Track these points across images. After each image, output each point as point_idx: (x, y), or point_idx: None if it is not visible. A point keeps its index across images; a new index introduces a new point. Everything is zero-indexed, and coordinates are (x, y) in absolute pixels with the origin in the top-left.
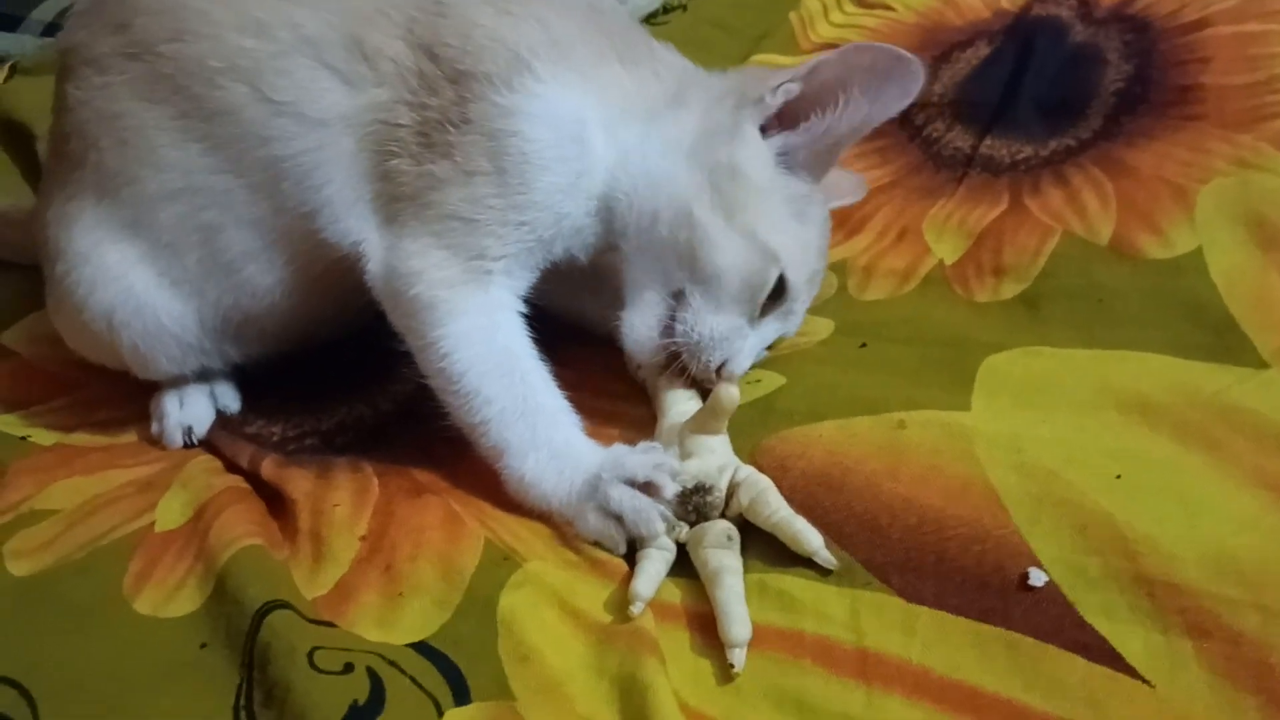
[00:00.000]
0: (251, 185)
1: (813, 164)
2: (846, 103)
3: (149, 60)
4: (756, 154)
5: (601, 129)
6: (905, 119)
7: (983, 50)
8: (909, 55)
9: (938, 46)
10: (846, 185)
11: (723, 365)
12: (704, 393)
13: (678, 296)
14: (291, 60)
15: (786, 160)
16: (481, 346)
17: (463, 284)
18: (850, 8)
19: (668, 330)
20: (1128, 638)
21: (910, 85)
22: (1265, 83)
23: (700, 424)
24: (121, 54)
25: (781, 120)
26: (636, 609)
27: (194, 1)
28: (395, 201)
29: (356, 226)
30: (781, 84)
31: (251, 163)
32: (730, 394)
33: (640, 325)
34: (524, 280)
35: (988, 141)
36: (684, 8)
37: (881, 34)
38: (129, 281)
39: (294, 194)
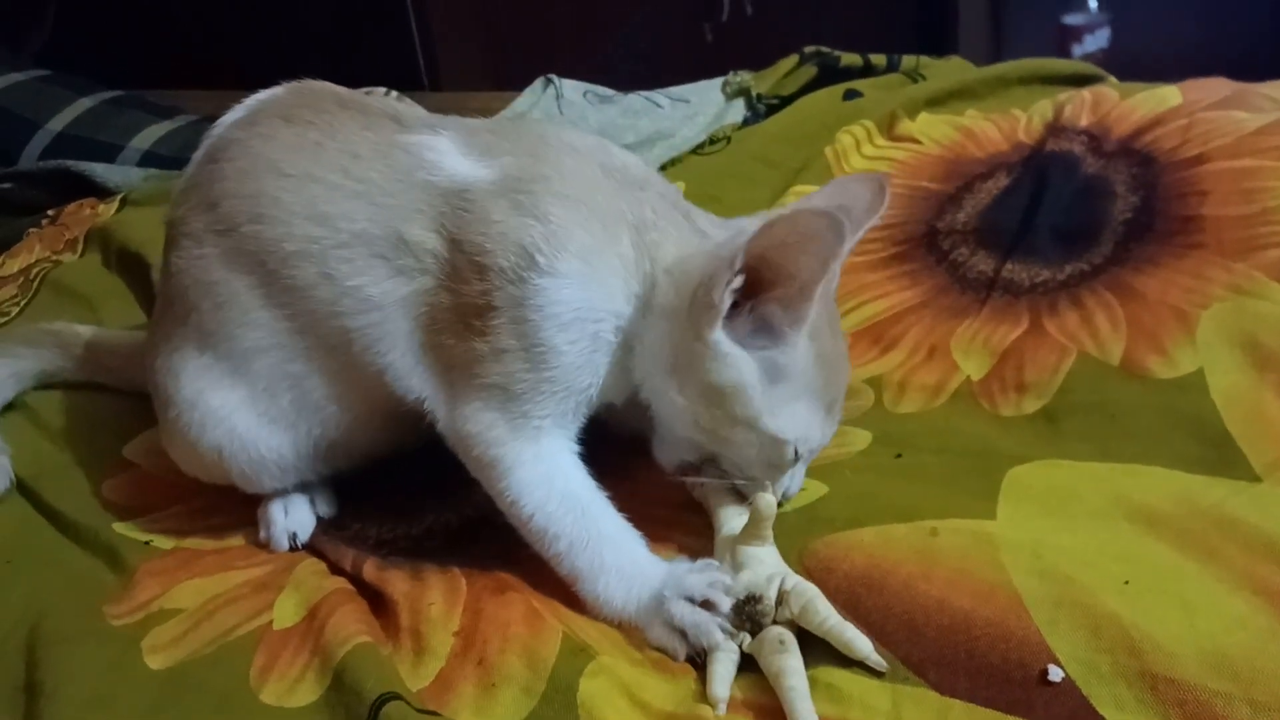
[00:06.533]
0: (327, 346)
1: (793, 316)
2: (793, 268)
3: (235, 238)
4: (727, 358)
5: (608, 314)
6: (933, 244)
7: (1002, 181)
8: (822, 211)
9: (961, 177)
10: (861, 200)
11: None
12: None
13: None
14: (351, 250)
15: (765, 330)
16: (542, 491)
17: (514, 440)
18: (880, 141)
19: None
20: None
21: (834, 242)
22: (1259, 215)
23: (747, 536)
24: (213, 230)
25: (748, 292)
26: (720, 711)
27: (270, 189)
28: (449, 370)
29: (419, 386)
30: (724, 286)
31: (325, 330)
32: (768, 502)
33: (669, 455)
34: (573, 426)
35: (1008, 266)
36: (728, 140)
37: (909, 166)
38: (233, 424)
39: (363, 357)
